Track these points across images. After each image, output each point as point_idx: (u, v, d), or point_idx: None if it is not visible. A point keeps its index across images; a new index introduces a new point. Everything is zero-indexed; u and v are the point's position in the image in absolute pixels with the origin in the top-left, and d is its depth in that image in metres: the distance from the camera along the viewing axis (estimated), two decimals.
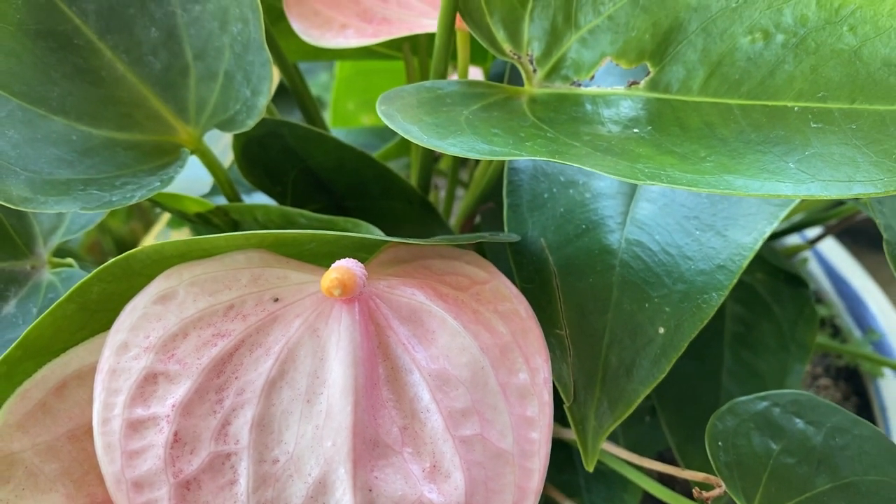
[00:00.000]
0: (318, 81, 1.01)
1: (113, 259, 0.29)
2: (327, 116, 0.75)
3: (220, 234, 0.29)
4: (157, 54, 0.38)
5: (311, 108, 0.49)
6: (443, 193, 0.68)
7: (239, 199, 0.45)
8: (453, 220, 0.56)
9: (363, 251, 0.34)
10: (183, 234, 0.52)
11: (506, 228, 0.39)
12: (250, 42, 0.37)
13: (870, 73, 0.31)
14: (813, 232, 0.73)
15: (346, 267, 0.27)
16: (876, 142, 0.30)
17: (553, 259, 0.38)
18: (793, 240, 0.75)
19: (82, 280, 0.28)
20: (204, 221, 0.44)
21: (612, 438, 0.49)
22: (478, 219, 0.53)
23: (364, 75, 0.68)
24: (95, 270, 0.28)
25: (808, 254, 0.78)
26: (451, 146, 0.32)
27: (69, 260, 0.41)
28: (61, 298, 0.28)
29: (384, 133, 0.67)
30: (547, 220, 0.39)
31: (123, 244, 0.81)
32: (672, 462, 0.44)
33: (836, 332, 0.75)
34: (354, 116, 0.71)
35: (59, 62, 0.37)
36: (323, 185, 0.46)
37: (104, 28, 0.38)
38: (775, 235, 0.66)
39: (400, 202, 0.47)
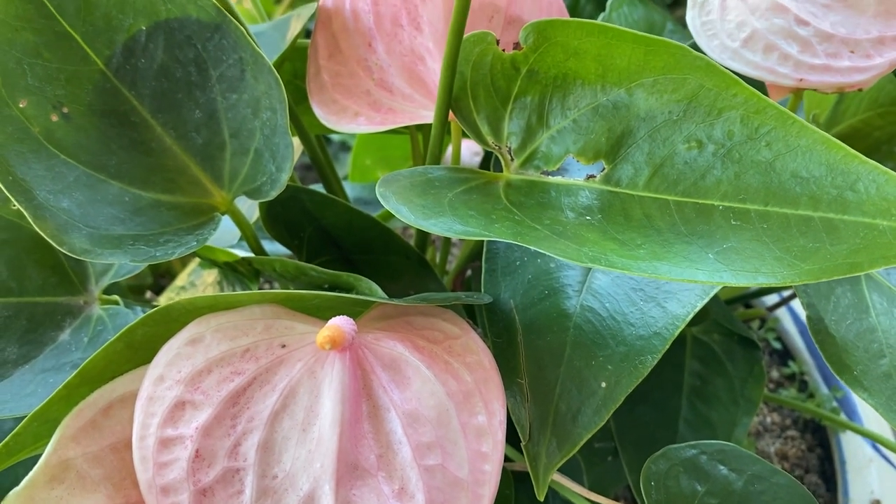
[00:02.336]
0: None
1: (155, 308, 0.36)
2: (349, 157, 0.82)
3: (242, 292, 0.37)
4: (199, 131, 0.46)
5: (328, 174, 0.56)
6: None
7: (262, 251, 0.52)
8: (452, 264, 0.64)
9: (358, 306, 0.41)
10: (212, 274, 0.59)
11: (482, 289, 0.46)
12: (277, 127, 0.44)
13: (781, 182, 0.38)
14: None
15: (336, 325, 0.34)
16: (781, 240, 0.37)
17: (519, 319, 0.45)
18: (772, 298, 0.81)
19: (130, 325, 0.36)
20: (231, 269, 0.52)
21: (577, 475, 0.56)
22: (469, 272, 0.60)
23: (380, 136, 0.76)
24: (140, 317, 0.36)
25: (784, 312, 0.84)
26: (432, 226, 0.39)
27: (115, 297, 0.49)
28: (112, 339, 0.35)
29: None
30: (517, 284, 0.46)
31: (158, 271, 0.89)
32: (631, 499, 0.51)
33: (804, 386, 0.81)
34: (371, 171, 0.79)
35: (118, 136, 0.45)
36: (334, 241, 0.54)
37: (156, 108, 0.46)
38: (744, 297, 0.72)
39: (399, 258, 0.54)
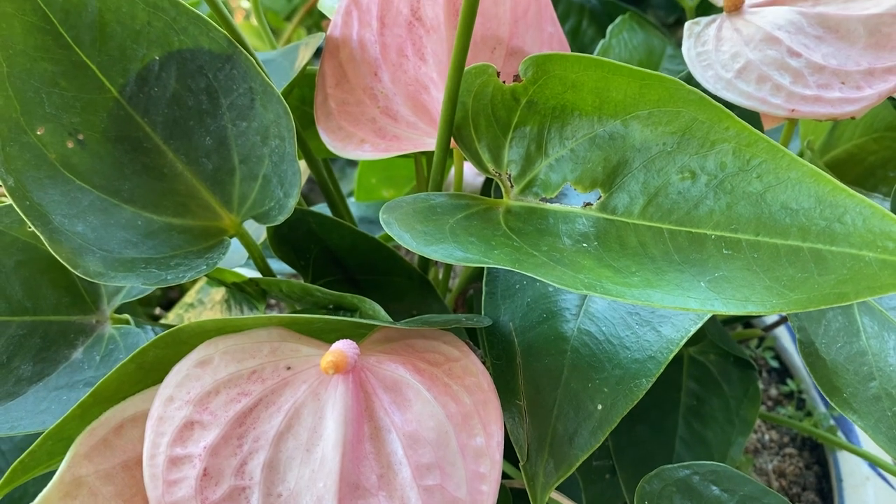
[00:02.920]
0: None
1: (166, 331, 0.37)
2: (355, 173, 0.84)
3: (249, 317, 0.38)
4: (210, 157, 0.48)
5: (333, 196, 0.58)
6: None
7: (269, 271, 0.54)
8: (455, 281, 0.65)
9: (361, 329, 0.43)
10: (220, 291, 0.61)
11: (482, 312, 0.48)
12: (285, 155, 0.46)
13: (771, 213, 0.39)
14: None
15: (339, 350, 0.35)
16: (771, 269, 0.38)
17: (518, 341, 0.46)
18: (772, 317, 0.82)
19: (141, 347, 0.37)
20: (238, 289, 0.53)
21: (575, 494, 0.57)
22: (471, 292, 0.61)
23: None
24: (152, 339, 0.37)
25: (782, 331, 0.85)
26: (433, 252, 0.40)
27: (126, 316, 0.50)
28: (125, 360, 0.37)
29: None
30: (516, 307, 0.47)
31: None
32: None
33: (802, 404, 0.82)
34: (376, 189, 0.81)
35: (131, 161, 0.47)
36: (339, 262, 0.55)
37: (169, 135, 0.47)
38: (743, 316, 0.73)
39: (402, 278, 0.56)
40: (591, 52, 0.70)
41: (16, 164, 0.43)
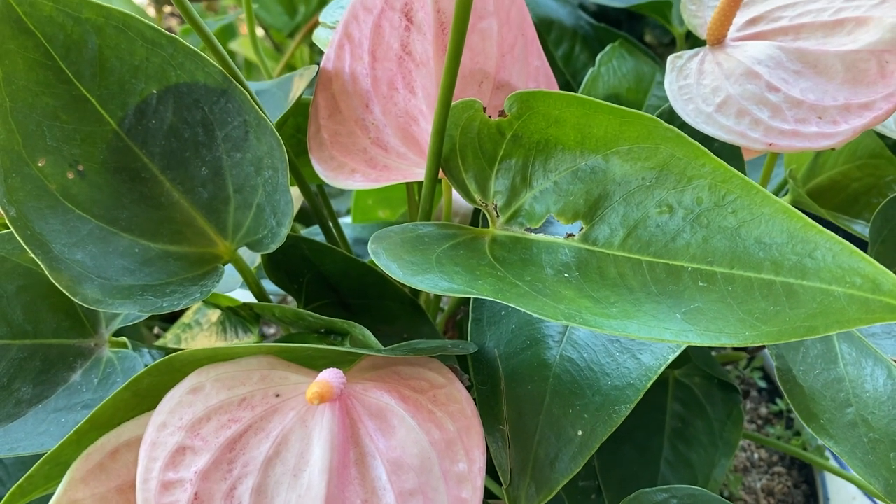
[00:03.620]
0: None
1: (160, 360, 0.39)
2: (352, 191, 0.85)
3: (240, 345, 0.40)
4: (205, 186, 0.49)
5: (325, 223, 0.59)
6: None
7: (264, 296, 0.55)
8: (446, 302, 0.66)
9: (349, 356, 0.44)
10: (216, 312, 0.62)
11: (468, 338, 0.49)
12: (278, 185, 0.48)
13: (745, 247, 0.40)
14: None
15: (325, 381, 0.37)
16: (744, 302, 0.39)
17: (502, 367, 0.47)
18: None
19: (136, 375, 0.39)
20: (234, 312, 0.54)
21: None
22: (461, 315, 0.63)
23: None
24: (146, 368, 0.39)
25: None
26: (419, 282, 0.42)
27: (124, 339, 0.52)
28: (120, 388, 0.38)
29: None
30: (501, 333, 0.49)
31: None
32: None
33: (791, 423, 0.83)
34: (373, 210, 0.82)
35: (129, 191, 0.48)
36: (331, 286, 0.57)
37: (166, 165, 0.49)
38: None
39: (393, 302, 0.57)
40: (583, 78, 0.72)
41: (18, 194, 0.44)
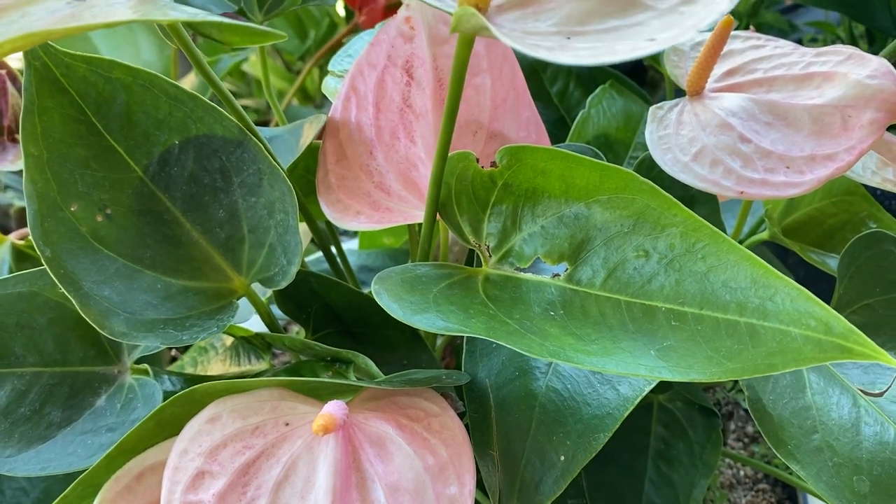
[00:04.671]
0: None
1: (181, 392, 0.43)
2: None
3: (254, 379, 0.44)
4: (222, 227, 0.54)
5: (330, 256, 0.64)
6: None
7: (275, 325, 0.60)
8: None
9: (352, 388, 0.48)
10: (230, 338, 0.67)
11: (462, 368, 0.53)
12: (289, 227, 0.52)
13: (714, 290, 0.44)
14: None
15: (328, 414, 0.41)
16: (712, 341, 0.43)
17: (493, 396, 0.51)
18: None
19: (160, 406, 0.43)
20: (246, 341, 0.59)
21: None
22: (458, 341, 0.67)
23: None
24: (169, 399, 0.43)
25: None
26: (418, 321, 0.46)
27: (145, 366, 0.56)
28: (145, 418, 0.43)
29: (397, 255, 0.81)
30: (493, 364, 0.53)
31: None
32: None
33: None
34: (378, 237, 0.87)
35: (152, 232, 0.53)
36: (337, 316, 0.61)
37: (187, 208, 0.53)
38: None
39: (395, 331, 0.61)
40: (577, 114, 0.76)
41: (52, 237, 0.49)
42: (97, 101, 0.49)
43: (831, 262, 0.66)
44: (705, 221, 0.45)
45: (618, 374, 0.43)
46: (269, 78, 0.69)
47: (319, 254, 0.88)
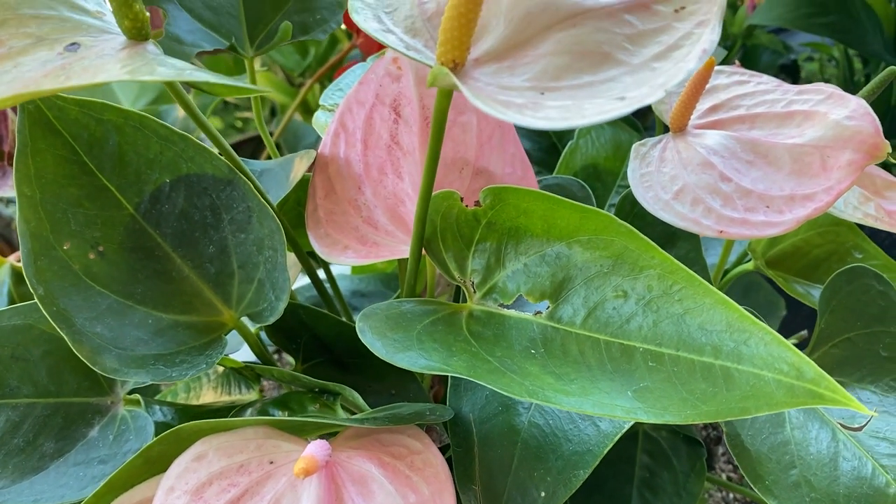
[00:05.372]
0: None
1: (168, 430, 0.44)
2: None
3: (239, 419, 0.45)
4: (212, 262, 0.55)
5: (321, 288, 0.65)
6: None
7: (265, 356, 0.61)
8: None
9: (335, 427, 0.49)
10: (220, 366, 0.68)
11: (447, 402, 0.54)
12: (277, 264, 0.53)
13: (690, 332, 0.45)
14: None
15: (310, 456, 0.42)
16: (687, 383, 0.44)
17: (476, 431, 0.52)
18: None
19: (148, 444, 0.44)
20: (237, 372, 0.60)
21: None
22: None
23: None
24: (156, 438, 0.44)
25: None
26: (400, 360, 0.47)
27: (137, 397, 0.57)
28: (134, 455, 0.44)
29: (390, 279, 0.82)
30: (477, 400, 0.54)
31: None
32: None
33: None
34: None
35: (144, 267, 0.54)
36: (326, 346, 0.62)
37: (177, 244, 0.54)
38: None
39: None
40: (568, 141, 0.77)
41: (45, 275, 0.50)
42: (89, 142, 0.51)
43: (816, 293, 0.67)
44: (681, 265, 0.46)
45: (595, 414, 0.43)
46: (261, 116, 0.70)
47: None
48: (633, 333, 0.47)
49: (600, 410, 0.43)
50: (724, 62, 1.32)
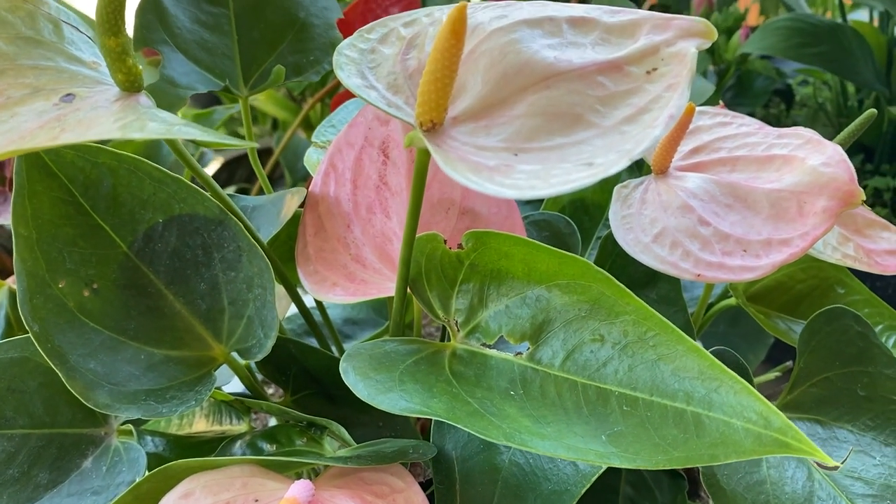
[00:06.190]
0: None
1: (158, 468, 0.46)
2: None
3: (226, 458, 0.47)
4: (204, 299, 0.56)
5: (311, 321, 0.66)
6: None
7: (255, 387, 0.62)
8: None
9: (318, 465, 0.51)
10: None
11: (430, 439, 0.56)
12: (266, 302, 0.54)
13: (663, 378, 0.47)
14: None
15: (293, 498, 0.43)
16: (659, 428, 0.45)
17: (458, 469, 0.54)
18: None
19: (137, 482, 0.46)
20: (227, 404, 0.61)
21: None
22: None
23: None
24: (146, 475, 0.46)
25: None
26: (381, 402, 0.48)
27: (130, 428, 0.59)
28: (123, 493, 0.45)
29: (381, 307, 0.84)
30: (459, 437, 0.55)
31: None
32: None
33: None
34: None
35: (136, 304, 0.55)
36: (315, 379, 0.64)
37: (169, 281, 0.56)
38: None
39: None
40: None
41: (41, 313, 0.52)
42: (85, 184, 0.52)
43: (798, 329, 0.68)
44: (655, 312, 0.47)
45: (569, 458, 0.45)
46: (257, 160, 0.71)
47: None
48: (609, 377, 0.48)
49: (574, 455, 0.45)
50: (719, 88, 1.33)
